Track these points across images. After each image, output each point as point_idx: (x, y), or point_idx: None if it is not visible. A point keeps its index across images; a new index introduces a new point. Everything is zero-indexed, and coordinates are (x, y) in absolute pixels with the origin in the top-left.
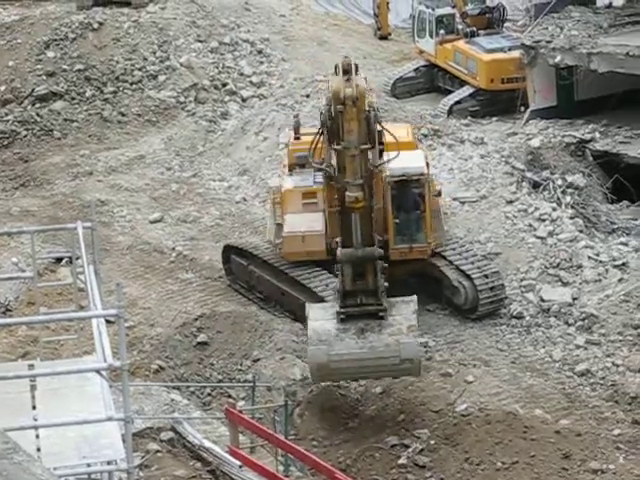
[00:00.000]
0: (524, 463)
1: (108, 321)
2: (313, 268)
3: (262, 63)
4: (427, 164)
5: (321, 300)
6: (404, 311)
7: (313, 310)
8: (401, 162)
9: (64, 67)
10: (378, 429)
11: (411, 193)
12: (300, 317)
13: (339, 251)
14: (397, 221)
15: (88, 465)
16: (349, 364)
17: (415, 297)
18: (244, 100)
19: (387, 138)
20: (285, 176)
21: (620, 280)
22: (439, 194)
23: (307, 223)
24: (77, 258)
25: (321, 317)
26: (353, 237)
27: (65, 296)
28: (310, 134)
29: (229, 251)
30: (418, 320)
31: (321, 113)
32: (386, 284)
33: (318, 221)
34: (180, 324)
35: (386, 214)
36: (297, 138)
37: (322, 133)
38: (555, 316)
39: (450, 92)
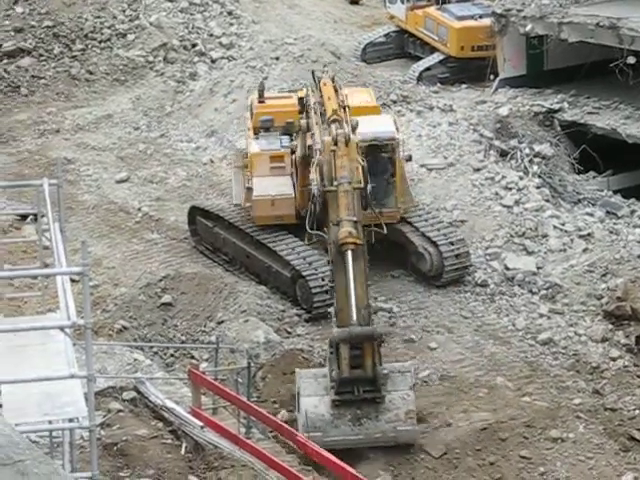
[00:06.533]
0: None
1: (72, 280)
2: (279, 231)
3: (232, 24)
4: (397, 128)
5: (286, 264)
6: (400, 386)
7: (303, 381)
8: (371, 127)
9: (32, 23)
10: None
11: (381, 157)
12: (264, 280)
13: (334, 331)
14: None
15: (50, 422)
16: (343, 446)
17: (412, 367)
18: (213, 61)
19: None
20: (251, 139)
21: (585, 250)
22: (410, 159)
23: (276, 187)
24: (42, 216)
25: (313, 392)
26: (351, 312)
27: (29, 254)
28: (274, 97)
29: (195, 212)
30: (415, 394)
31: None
32: (384, 370)
33: (287, 185)
34: (144, 284)
35: None
36: (261, 102)
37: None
38: (519, 285)
39: (420, 58)
